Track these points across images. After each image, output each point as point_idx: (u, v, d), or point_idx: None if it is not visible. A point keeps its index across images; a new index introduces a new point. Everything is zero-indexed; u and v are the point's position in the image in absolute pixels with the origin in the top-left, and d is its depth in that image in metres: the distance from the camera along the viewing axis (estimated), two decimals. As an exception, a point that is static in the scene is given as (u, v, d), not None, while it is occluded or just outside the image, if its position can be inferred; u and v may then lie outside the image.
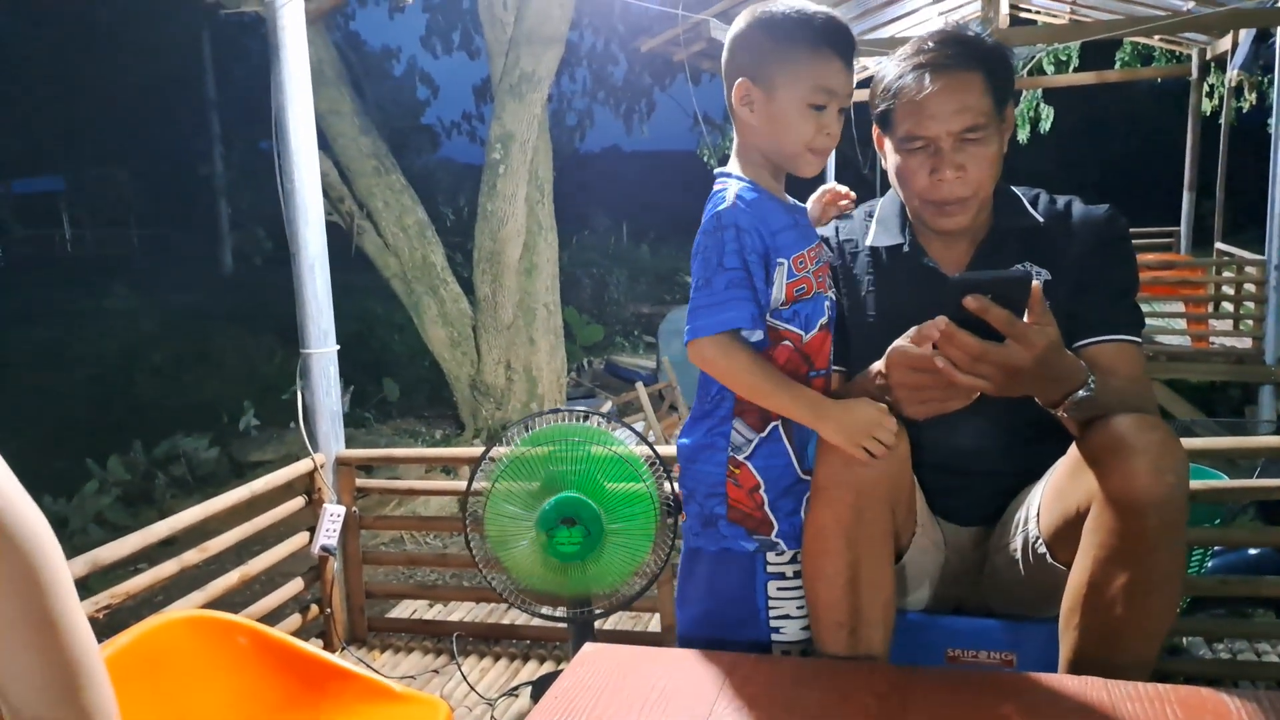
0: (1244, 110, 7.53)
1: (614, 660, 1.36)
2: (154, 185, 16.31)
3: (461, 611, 2.54)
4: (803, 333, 1.36)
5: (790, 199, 1.43)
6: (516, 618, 2.48)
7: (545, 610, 1.91)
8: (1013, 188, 1.54)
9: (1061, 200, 1.53)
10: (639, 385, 6.21)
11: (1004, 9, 7.13)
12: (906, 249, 1.53)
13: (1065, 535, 1.34)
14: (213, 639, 1.41)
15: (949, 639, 1.51)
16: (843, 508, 1.29)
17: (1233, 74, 6.72)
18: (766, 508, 1.36)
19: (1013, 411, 1.46)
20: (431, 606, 2.58)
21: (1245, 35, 6.40)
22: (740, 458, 1.36)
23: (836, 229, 1.63)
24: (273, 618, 2.21)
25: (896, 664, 1.37)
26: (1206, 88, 8.33)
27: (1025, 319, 1.17)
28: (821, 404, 1.29)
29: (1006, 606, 1.55)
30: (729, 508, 1.37)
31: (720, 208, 1.31)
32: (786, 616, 1.39)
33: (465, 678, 2.16)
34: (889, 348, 1.32)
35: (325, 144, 5.69)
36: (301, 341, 2.26)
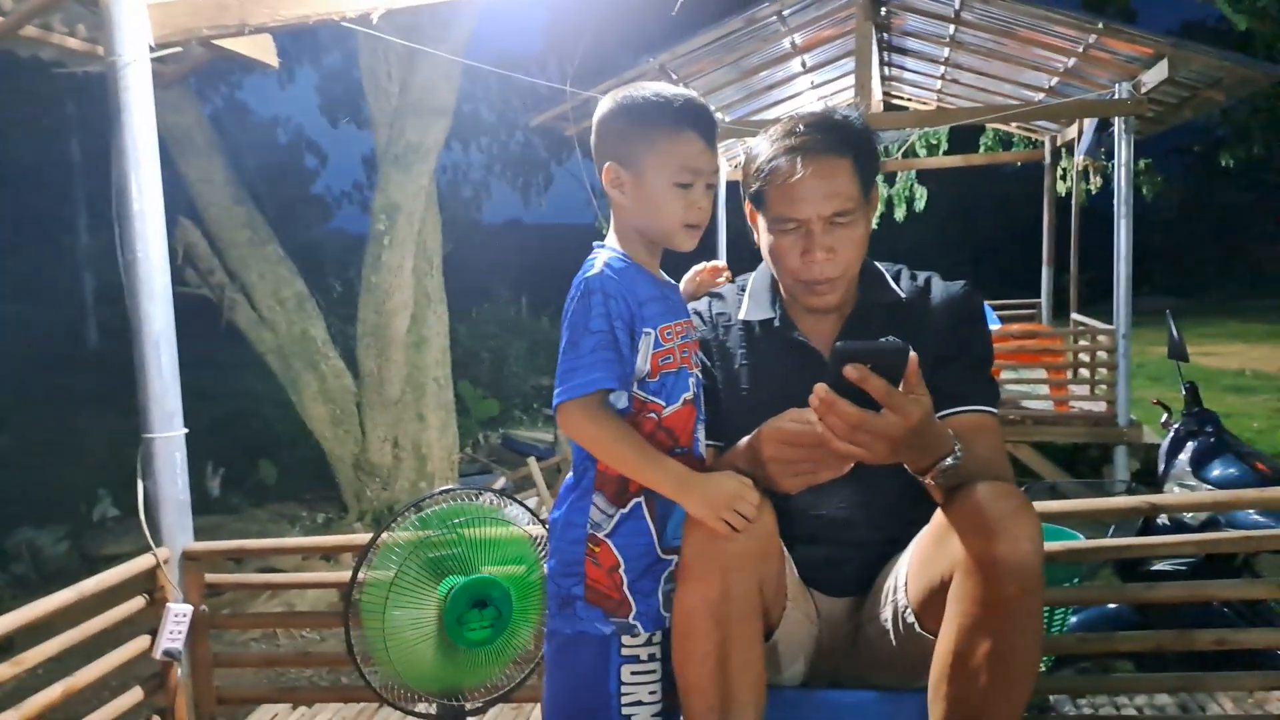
0: (1092, 192, 8.17)
1: (470, 762, 1.28)
2: (7, 257, 15.32)
3: (328, 713, 2.36)
4: (664, 404, 1.35)
5: (664, 275, 1.45)
6: (387, 716, 2.33)
7: (420, 708, 1.77)
8: (876, 264, 1.60)
9: (921, 276, 1.60)
10: (531, 460, 6.11)
11: (877, 95, 7.59)
12: (777, 323, 1.56)
13: (932, 604, 1.35)
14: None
15: (825, 714, 1.51)
16: (710, 586, 1.27)
17: (1079, 159, 7.31)
18: (626, 588, 1.33)
19: (881, 482, 1.49)
20: (295, 710, 2.39)
21: (1089, 124, 6.99)
22: (600, 535, 1.33)
23: (710, 303, 1.65)
24: (109, 732, 2.01)
25: (773, 745, 1.34)
26: (1059, 171, 9.03)
27: (901, 389, 1.20)
28: (685, 476, 1.28)
29: (881, 678, 1.55)
30: (587, 588, 1.33)
31: (588, 274, 1.33)
32: (639, 703, 1.34)
33: (324, 788, 2.00)
34: (762, 425, 1.33)
35: (195, 214, 5.48)
36: (144, 425, 2.11)
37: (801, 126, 1.47)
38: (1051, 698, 2.10)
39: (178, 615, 2.06)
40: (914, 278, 1.59)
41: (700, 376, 1.44)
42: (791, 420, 1.28)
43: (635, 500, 1.33)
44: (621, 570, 1.32)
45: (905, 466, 1.33)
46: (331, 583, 2.49)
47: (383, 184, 5.46)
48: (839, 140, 1.46)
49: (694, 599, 1.28)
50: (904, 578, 1.44)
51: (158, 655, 2.06)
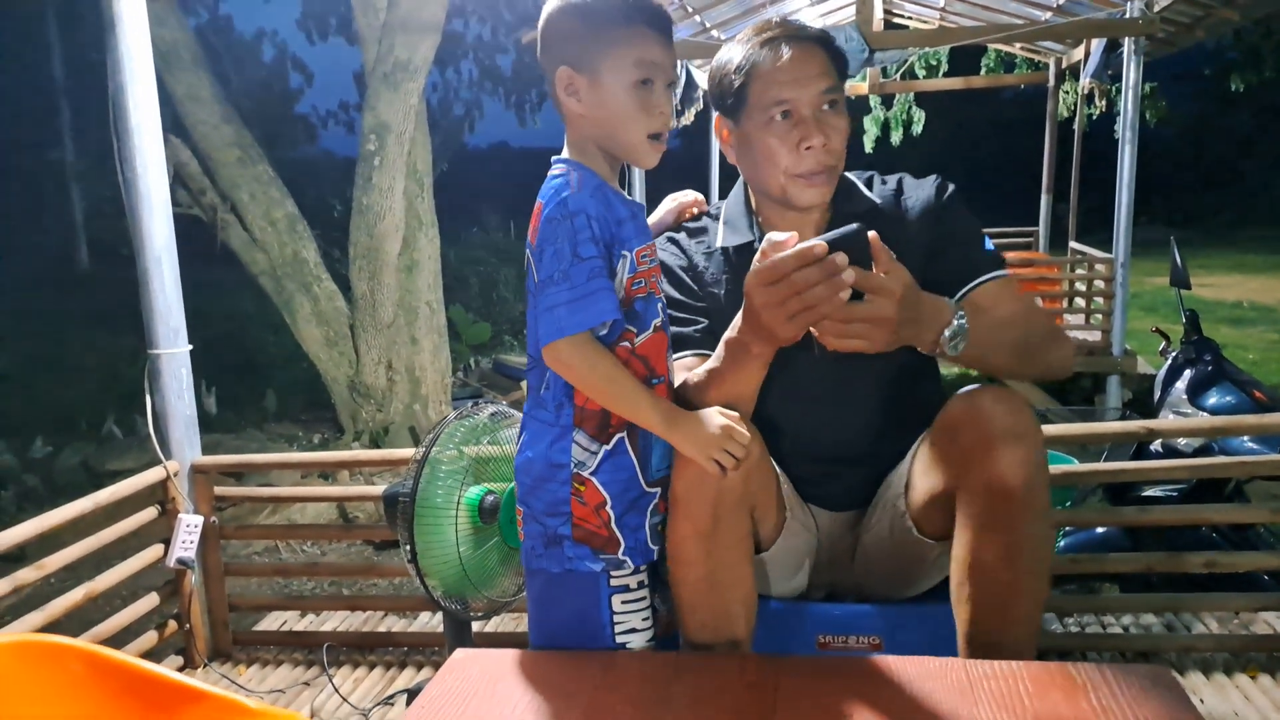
0: (1094, 117, 8.04)
1: (485, 666, 1.32)
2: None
3: (334, 621, 2.44)
4: (637, 331, 1.30)
5: (626, 193, 1.36)
6: (393, 625, 2.40)
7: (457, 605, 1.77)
8: (846, 173, 1.55)
9: (891, 179, 1.58)
10: (524, 384, 6.14)
11: (878, 13, 7.39)
12: (757, 245, 1.46)
13: (933, 510, 1.39)
14: (40, 665, 1.28)
15: (819, 625, 1.55)
16: (700, 519, 1.29)
17: (1085, 82, 7.16)
18: (613, 524, 1.30)
19: (881, 398, 1.51)
20: (303, 617, 2.47)
21: (1097, 45, 6.81)
22: (585, 474, 1.29)
23: (686, 231, 1.61)
24: (126, 635, 2.09)
25: (769, 652, 1.39)
26: (1063, 95, 8.86)
27: (876, 270, 1.18)
28: (674, 414, 1.25)
29: (877, 586, 1.59)
30: (574, 526, 1.30)
31: (566, 194, 1.23)
32: (632, 630, 1.35)
33: (337, 689, 2.08)
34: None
35: (185, 132, 5.36)
36: (149, 342, 2.12)
37: (774, 20, 1.47)
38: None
39: (189, 525, 2.10)
40: (884, 181, 1.57)
41: (665, 300, 1.39)
42: (763, 252, 1.21)
43: (618, 435, 1.29)
44: (608, 507, 1.29)
45: (910, 369, 1.35)
46: (336, 497, 2.54)
47: (371, 102, 5.33)
48: (809, 32, 1.45)
49: (685, 530, 1.30)
50: (904, 485, 1.47)
51: (171, 563, 2.12)
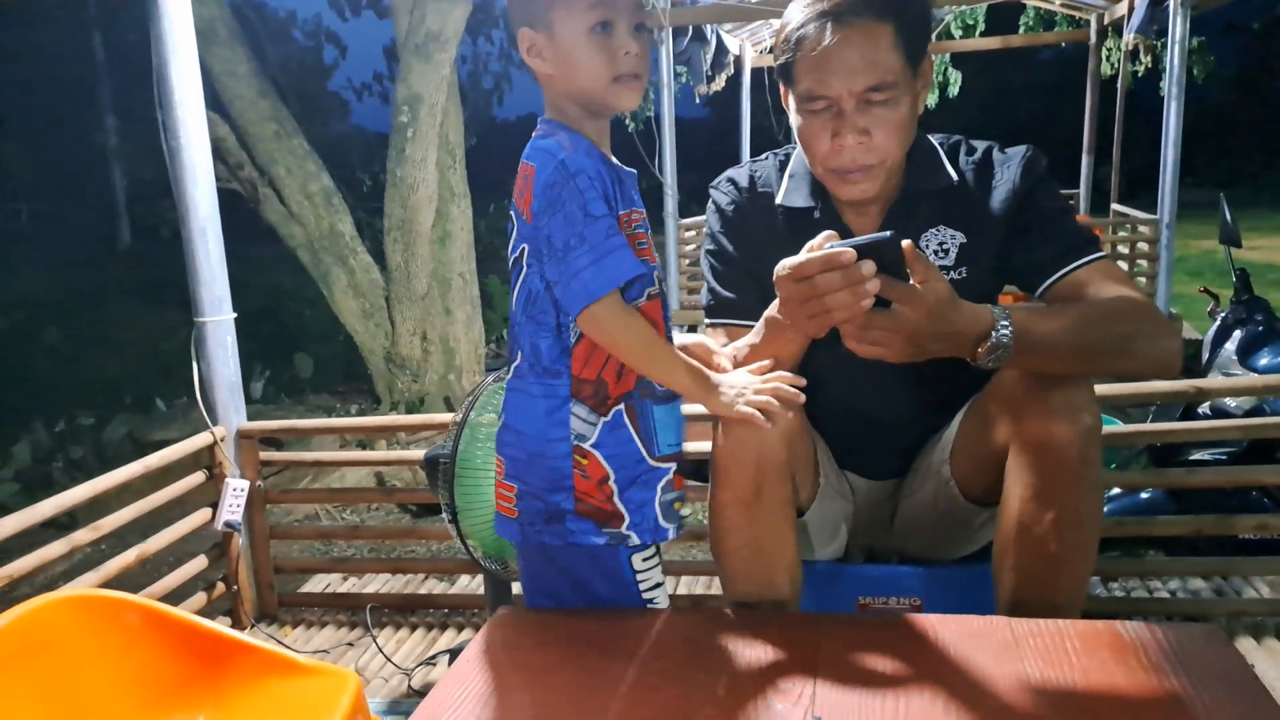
0: (1139, 74, 7.81)
1: (528, 623, 1.33)
2: (40, 157, 15.34)
3: (377, 584, 2.48)
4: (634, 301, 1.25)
5: (613, 158, 1.30)
6: (433, 587, 2.44)
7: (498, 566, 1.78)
8: (930, 138, 1.47)
9: (979, 148, 1.47)
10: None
11: (913, -27, 7.20)
12: (818, 215, 1.45)
13: (980, 476, 1.37)
14: (101, 619, 1.33)
15: (859, 587, 1.55)
16: (742, 487, 1.27)
17: (1129, 38, 6.92)
18: (616, 499, 1.25)
19: (925, 370, 1.47)
20: (345, 580, 2.52)
21: (1140, -1, 6.60)
22: (586, 446, 1.23)
23: (752, 175, 1.54)
24: (176, 597, 2.14)
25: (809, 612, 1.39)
26: (1105, 52, 8.62)
27: (913, 280, 1.14)
28: (706, 376, 1.22)
29: (917, 549, 1.58)
30: (577, 501, 1.25)
31: (562, 155, 1.17)
32: (657, 585, 1.32)
33: (380, 649, 2.12)
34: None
35: (222, 107, 5.41)
36: (195, 310, 2.16)
37: None
38: (1083, 579, 2.14)
39: (236, 489, 2.15)
40: (971, 151, 1.47)
41: (658, 267, 1.31)
42: (809, 246, 1.18)
43: (616, 407, 1.24)
44: (611, 481, 1.24)
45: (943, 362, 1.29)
46: (377, 461, 2.58)
47: (404, 74, 5.34)
48: (879, 2, 1.29)
49: (727, 498, 1.28)
50: (949, 452, 1.45)
51: (219, 527, 2.16)
